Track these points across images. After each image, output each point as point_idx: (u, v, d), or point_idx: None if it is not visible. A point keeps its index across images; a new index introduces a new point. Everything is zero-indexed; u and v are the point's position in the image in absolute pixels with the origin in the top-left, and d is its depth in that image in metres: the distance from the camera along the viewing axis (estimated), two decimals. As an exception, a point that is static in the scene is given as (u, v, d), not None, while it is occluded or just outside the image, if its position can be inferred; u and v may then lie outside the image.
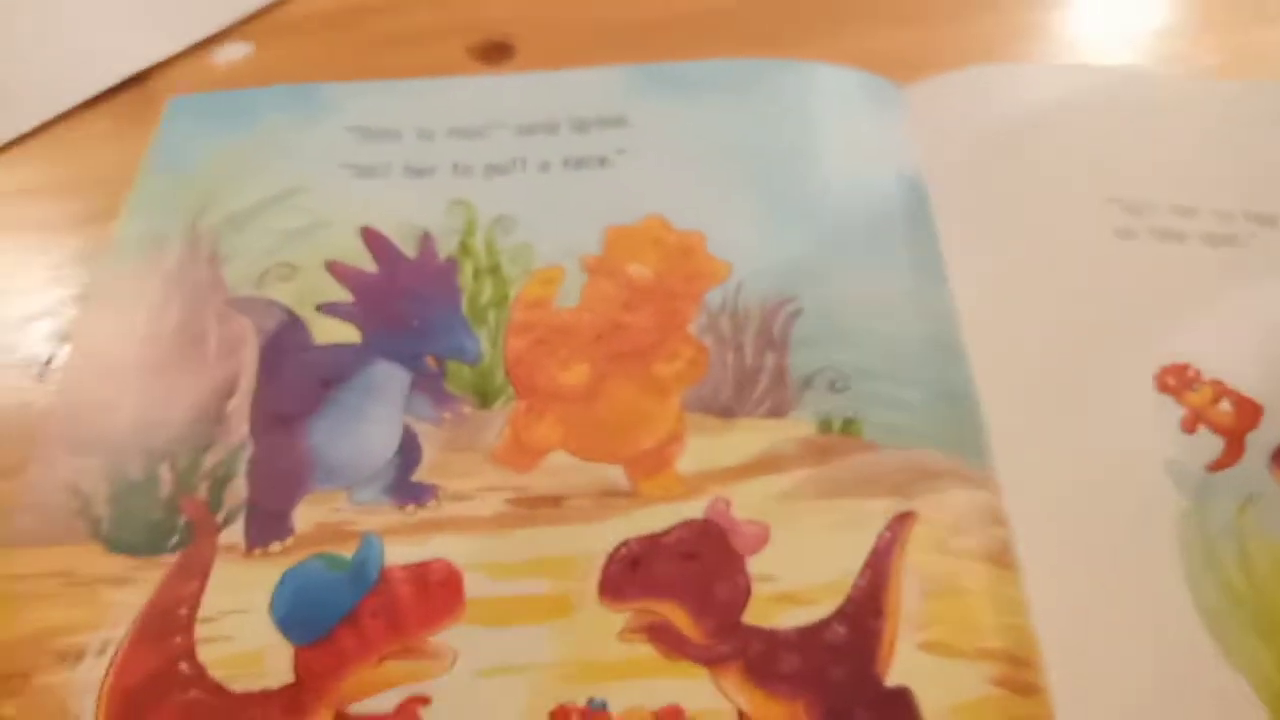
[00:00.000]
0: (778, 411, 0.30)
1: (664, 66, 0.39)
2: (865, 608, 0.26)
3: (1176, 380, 0.30)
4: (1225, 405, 0.30)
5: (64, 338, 0.34)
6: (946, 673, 0.25)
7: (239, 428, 0.31)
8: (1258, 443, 0.29)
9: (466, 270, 0.34)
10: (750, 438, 0.30)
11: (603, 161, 0.36)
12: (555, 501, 0.29)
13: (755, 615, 0.27)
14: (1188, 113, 0.37)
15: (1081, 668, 0.26)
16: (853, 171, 0.35)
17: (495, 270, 0.34)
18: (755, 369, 0.31)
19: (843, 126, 0.37)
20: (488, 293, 0.33)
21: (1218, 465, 0.29)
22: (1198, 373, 0.30)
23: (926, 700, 0.25)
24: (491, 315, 0.33)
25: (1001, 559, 0.27)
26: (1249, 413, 0.30)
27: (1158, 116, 0.37)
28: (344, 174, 0.37)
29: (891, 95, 0.38)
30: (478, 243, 0.35)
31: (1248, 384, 0.30)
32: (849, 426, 0.30)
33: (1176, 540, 0.27)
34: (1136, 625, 0.26)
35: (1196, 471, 0.29)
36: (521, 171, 0.36)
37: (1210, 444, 0.29)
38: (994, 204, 0.35)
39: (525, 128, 0.38)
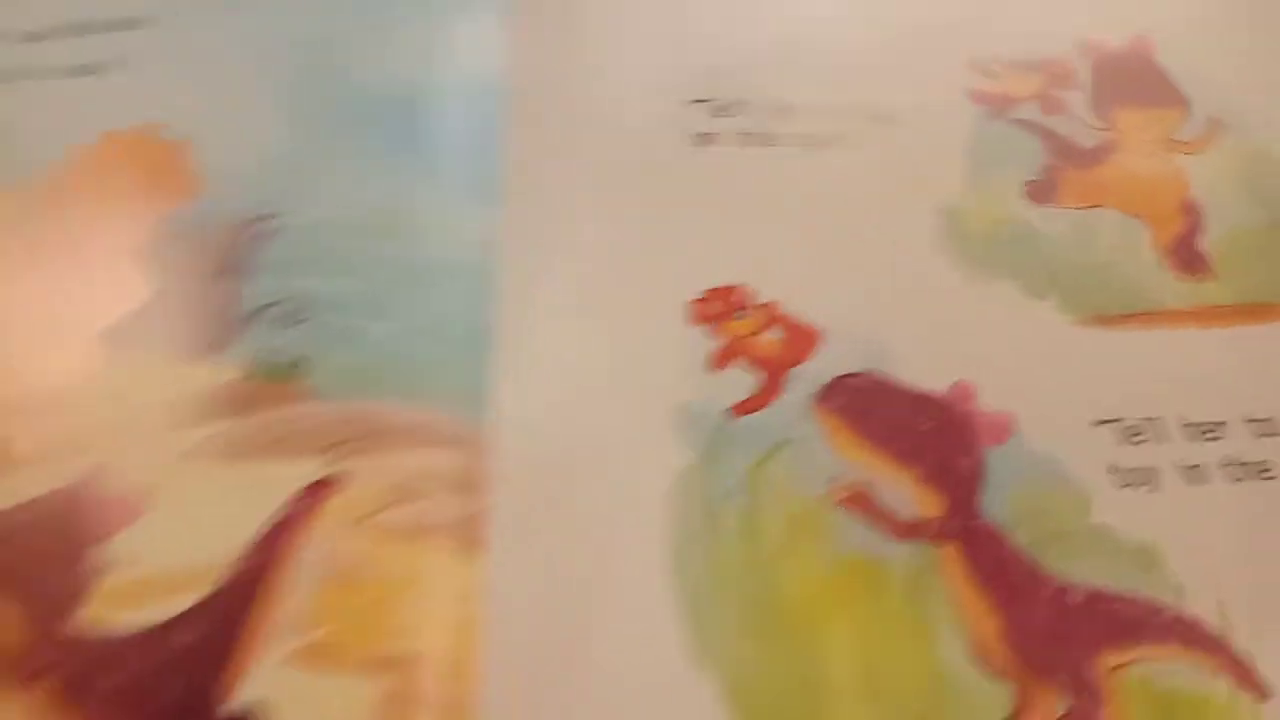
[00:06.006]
0: (212, 349, 0.24)
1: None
2: (233, 601, 0.20)
3: (722, 304, 0.24)
4: (773, 334, 0.24)
5: None
6: (320, 688, 0.19)
7: None
8: (806, 376, 0.23)
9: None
10: (154, 382, 0.23)
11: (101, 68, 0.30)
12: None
13: (96, 613, 0.20)
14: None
15: (530, 673, 0.20)
16: (409, 76, 0.29)
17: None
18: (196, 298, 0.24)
19: (410, 26, 0.30)
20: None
21: (744, 408, 0.23)
22: (750, 295, 0.25)
23: (280, 725, 0.19)
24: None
25: (460, 535, 0.21)
26: (801, 342, 0.24)
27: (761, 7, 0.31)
28: None
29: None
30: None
31: (812, 306, 0.25)
32: (291, 370, 0.23)
33: (669, 506, 0.22)
34: (605, 617, 0.21)
35: (713, 417, 0.23)
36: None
37: (742, 383, 0.23)
38: (575, 114, 0.28)
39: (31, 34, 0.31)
